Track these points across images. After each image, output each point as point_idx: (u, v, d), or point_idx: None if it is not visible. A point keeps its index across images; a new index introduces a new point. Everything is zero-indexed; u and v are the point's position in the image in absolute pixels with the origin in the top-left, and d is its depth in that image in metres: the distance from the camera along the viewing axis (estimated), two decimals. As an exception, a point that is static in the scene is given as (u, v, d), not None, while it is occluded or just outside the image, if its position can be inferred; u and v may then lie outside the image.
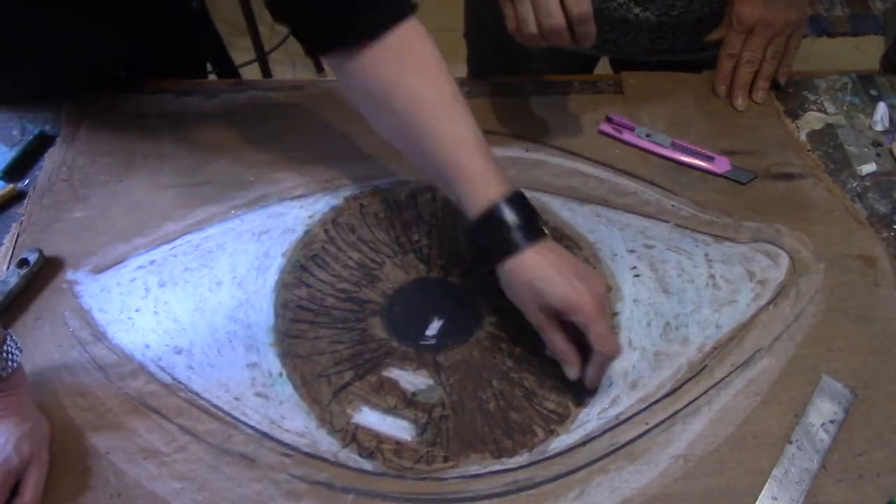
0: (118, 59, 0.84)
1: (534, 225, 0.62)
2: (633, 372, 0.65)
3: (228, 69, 1.03)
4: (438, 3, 1.20)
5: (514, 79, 0.88)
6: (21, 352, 0.57)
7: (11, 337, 0.56)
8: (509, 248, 0.60)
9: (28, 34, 0.71)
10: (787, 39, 0.83)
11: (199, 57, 0.98)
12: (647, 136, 0.81)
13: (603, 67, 1.03)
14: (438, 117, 0.63)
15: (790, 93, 0.87)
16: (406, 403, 0.63)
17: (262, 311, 0.68)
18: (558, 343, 0.60)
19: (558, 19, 0.66)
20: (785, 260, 0.72)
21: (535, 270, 0.59)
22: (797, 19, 0.82)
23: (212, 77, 1.03)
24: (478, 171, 0.62)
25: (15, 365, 0.56)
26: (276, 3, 0.65)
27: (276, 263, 0.71)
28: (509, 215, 0.60)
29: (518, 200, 0.61)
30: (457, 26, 1.06)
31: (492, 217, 0.61)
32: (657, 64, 0.89)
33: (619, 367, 0.65)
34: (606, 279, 0.70)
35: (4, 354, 0.55)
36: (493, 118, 0.83)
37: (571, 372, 0.61)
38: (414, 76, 0.63)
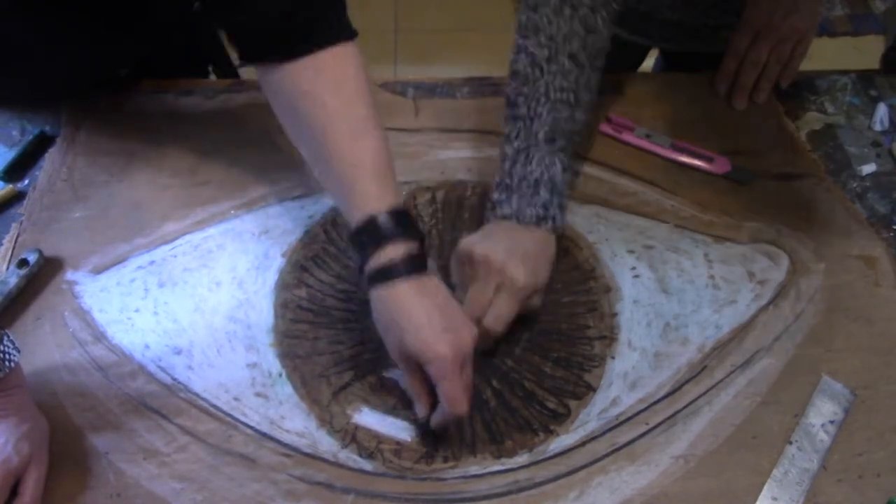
0: (121, 62, 0.84)
1: (417, 258, 0.58)
2: (633, 372, 0.65)
3: (228, 70, 1.03)
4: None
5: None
6: (18, 352, 0.57)
7: (8, 336, 0.56)
8: (386, 276, 0.57)
9: (30, 38, 0.71)
10: (793, 46, 0.83)
11: (199, 58, 0.98)
12: (647, 136, 0.81)
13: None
14: (340, 132, 0.61)
15: (790, 93, 0.87)
16: (406, 404, 0.63)
17: (262, 312, 0.68)
18: (413, 385, 0.59)
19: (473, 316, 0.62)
20: (785, 260, 0.72)
21: (403, 309, 0.56)
22: (805, 28, 0.82)
23: (212, 78, 1.03)
24: (365, 190, 0.59)
25: (12, 365, 0.56)
26: (215, 8, 0.65)
27: (276, 264, 0.71)
28: (387, 227, 0.58)
29: (403, 220, 0.59)
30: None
31: (369, 225, 0.58)
32: (703, 56, 0.89)
33: (619, 367, 0.65)
34: (606, 280, 0.70)
35: (1, 354, 0.55)
36: (493, 118, 0.83)
37: (419, 410, 0.60)
38: (325, 90, 0.62)
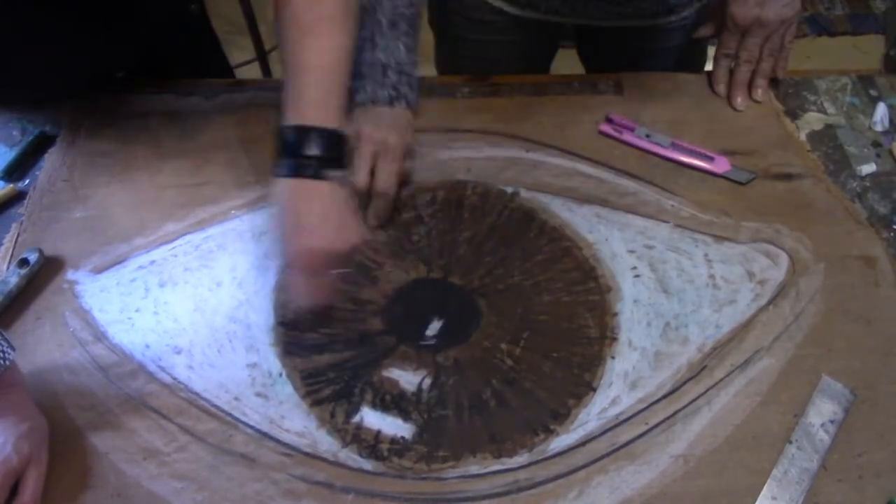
0: (118, 62, 0.84)
1: (308, 159, 0.62)
2: (633, 372, 0.65)
3: (224, 73, 1.03)
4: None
5: (514, 78, 0.88)
6: (14, 350, 0.57)
7: (2, 335, 0.56)
8: (278, 168, 0.63)
9: (28, 38, 0.71)
10: (781, 36, 0.83)
11: (197, 60, 0.98)
12: (647, 136, 0.81)
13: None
14: (295, 27, 0.65)
15: (790, 93, 0.87)
16: (406, 403, 0.63)
17: (262, 312, 0.68)
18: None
19: (362, 183, 0.71)
20: (785, 260, 0.72)
21: (280, 203, 0.63)
22: (791, 15, 0.82)
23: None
24: (306, 97, 0.64)
25: (7, 363, 0.56)
26: None
27: (277, 264, 0.71)
28: (289, 138, 0.63)
29: (318, 136, 0.63)
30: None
31: (283, 134, 0.63)
32: (623, 30, 0.92)
33: (619, 367, 0.65)
34: (606, 279, 0.70)
35: None
36: (492, 118, 0.83)
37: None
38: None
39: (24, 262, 0.68)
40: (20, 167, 0.77)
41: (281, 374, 0.64)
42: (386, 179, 0.71)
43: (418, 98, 0.76)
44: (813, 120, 0.85)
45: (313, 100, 0.63)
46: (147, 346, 0.65)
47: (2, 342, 0.56)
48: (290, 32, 0.64)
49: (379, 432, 0.61)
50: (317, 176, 0.62)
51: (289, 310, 0.67)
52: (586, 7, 0.90)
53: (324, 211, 0.62)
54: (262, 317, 0.67)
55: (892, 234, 0.74)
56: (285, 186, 0.62)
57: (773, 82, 0.87)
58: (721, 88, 0.86)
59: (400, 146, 0.72)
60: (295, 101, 0.63)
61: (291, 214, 0.62)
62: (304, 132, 0.62)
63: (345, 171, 0.65)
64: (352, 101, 0.72)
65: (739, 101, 0.85)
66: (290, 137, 0.63)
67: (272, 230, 0.67)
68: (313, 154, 0.62)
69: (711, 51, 0.90)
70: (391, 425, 0.62)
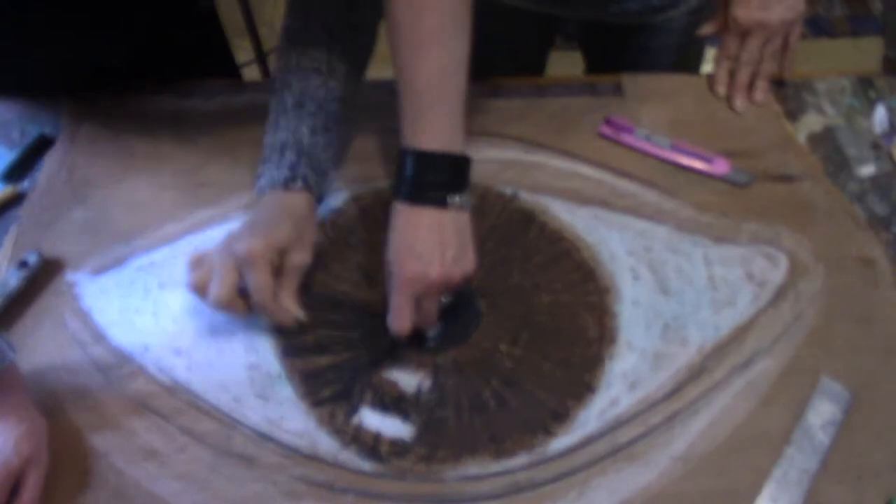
0: (123, 56, 0.84)
1: (428, 186, 0.62)
2: (633, 373, 0.65)
3: (230, 70, 1.03)
4: None
5: (514, 80, 0.88)
6: (14, 351, 0.57)
7: (2, 336, 0.57)
8: (397, 194, 0.63)
9: (32, 30, 0.71)
10: (784, 37, 0.84)
11: (206, 57, 0.98)
12: (647, 137, 0.81)
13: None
14: (402, 43, 0.63)
15: (789, 95, 0.87)
16: (405, 404, 0.63)
17: (262, 312, 0.68)
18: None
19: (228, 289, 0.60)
20: (784, 262, 0.72)
21: (397, 228, 0.62)
22: (794, 17, 0.82)
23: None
24: (422, 120, 0.63)
25: (6, 363, 0.56)
26: None
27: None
28: (409, 162, 0.62)
29: (440, 162, 0.62)
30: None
31: (403, 159, 0.63)
32: (613, 27, 0.91)
33: (618, 368, 0.65)
34: (606, 281, 0.70)
35: None
36: (492, 119, 0.83)
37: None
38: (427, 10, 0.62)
39: (23, 264, 0.68)
40: (20, 169, 0.77)
41: (281, 375, 0.64)
42: (260, 292, 0.61)
43: (324, 183, 0.68)
44: (812, 121, 0.85)
45: (431, 123, 0.63)
46: (147, 348, 0.65)
47: (2, 343, 0.56)
48: (399, 51, 0.63)
49: (379, 433, 0.61)
50: (441, 204, 0.62)
51: (384, 336, 0.64)
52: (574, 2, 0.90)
53: (444, 242, 0.61)
54: (261, 318, 0.67)
55: (891, 235, 0.74)
56: (405, 213, 0.62)
57: (779, 84, 0.87)
58: (721, 90, 0.86)
59: (258, 253, 0.60)
60: (412, 123, 0.63)
61: (408, 243, 0.61)
62: (423, 158, 0.62)
63: (466, 195, 0.64)
64: (256, 187, 0.67)
65: (739, 102, 0.85)
66: (410, 162, 0.62)
67: (386, 255, 0.63)
68: (436, 182, 0.62)
69: (711, 52, 0.90)
70: (391, 426, 0.62)
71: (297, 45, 0.67)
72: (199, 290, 0.61)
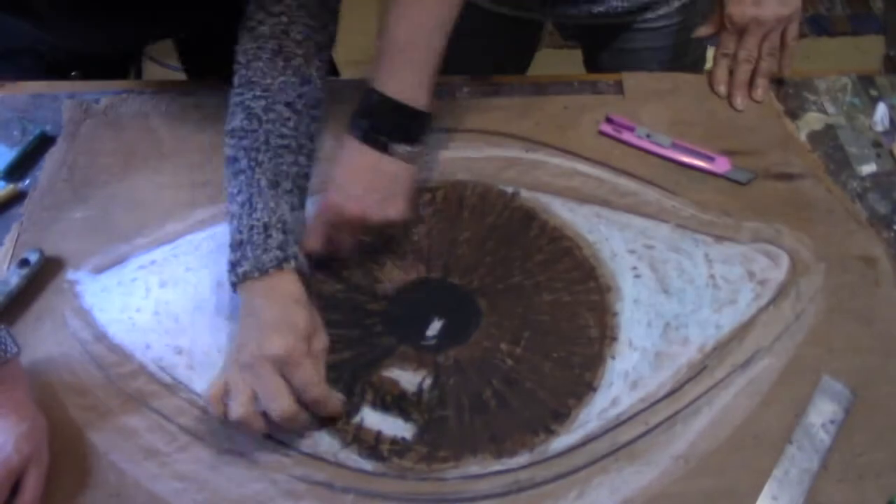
0: (165, 32, 0.87)
1: (379, 131, 0.66)
2: (634, 372, 0.65)
3: None
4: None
5: (513, 79, 0.88)
6: (17, 346, 0.57)
7: (7, 331, 0.57)
8: (350, 127, 0.67)
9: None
10: (782, 34, 0.83)
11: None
12: (647, 136, 0.81)
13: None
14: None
15: (790, 93, 0.87)
16: (406, 403, 0.63)
17: (263, 311, 0.67)
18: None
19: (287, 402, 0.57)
20: (785, 260, 0.72)
21: (340, 158, 0.67)
22: (789, 13, 0.82)
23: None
24: (394, 68, 0.67)
25: (8, 356, 0.56)
26: None
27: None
28: (372, 103, 0.66)
29: (398, 112, 0.66)
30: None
31: (367, 97, 0.67)
32: (609, 25, 0.91)
33: (619, 367, 0.65)
34: (607, 279, 0.70)
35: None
36: (492, 118, 0.83)
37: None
38: None
39: (24, 263, 0.68)
40: (21, 167, 0.77)
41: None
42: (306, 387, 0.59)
43: (305, 261, 0.63)
44: (813, 120, 0.85)
45: (398, 72, 0.66)
46: (148, 346, 0.65)
47: (6, 337, 0.56)
48: (390, 5, 0.67)
49: (379, 432, 0.61)
50: (383, 149, 0.66)
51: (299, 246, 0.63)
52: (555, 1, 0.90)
53: (373, 183, 0.65)
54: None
55: (892, 234, 0.74)
56: (350, 147, 0.67)
57: (779, 81, 0.87)
58: (721, 88, 0.86)
59: (281, 359, 0.58)
60: (381, 67, 0.67)
61: (342, 175, 0.66)
62: (381, 101, 0.66)
63: (416, 148, 0.68)
64: (231, 278, 0.61)
65: (739, 100, 0.85)
66: (367, 102, 0.66)
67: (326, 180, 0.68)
68: (386, 126, 0.66)
69: (711, 51, 0.90)
70: (391, 425, 0.62)
71: (264, 123, 0.64)
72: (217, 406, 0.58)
